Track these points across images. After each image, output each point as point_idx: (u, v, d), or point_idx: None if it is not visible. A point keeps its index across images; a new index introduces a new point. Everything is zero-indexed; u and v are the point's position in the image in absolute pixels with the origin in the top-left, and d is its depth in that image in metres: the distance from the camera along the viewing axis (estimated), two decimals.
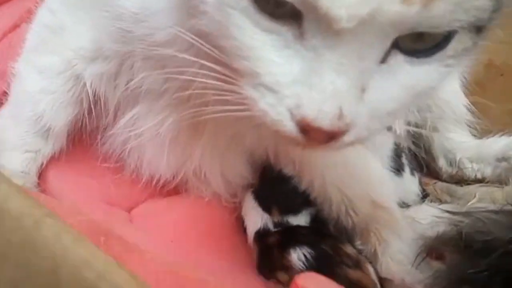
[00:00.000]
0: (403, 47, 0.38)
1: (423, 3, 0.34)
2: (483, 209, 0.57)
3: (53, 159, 0.68)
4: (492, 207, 0.58)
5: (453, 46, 0.39)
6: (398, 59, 0.39)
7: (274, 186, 0.65)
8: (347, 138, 0.39)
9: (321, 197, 0.64)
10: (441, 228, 0.56)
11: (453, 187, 0.80)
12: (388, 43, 0.37)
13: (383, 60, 0.38)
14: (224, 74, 0.41)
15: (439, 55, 0.39)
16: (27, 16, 0.77)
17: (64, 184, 0.66)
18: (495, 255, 0.49)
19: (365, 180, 0.63)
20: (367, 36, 0.35)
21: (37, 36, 0.67)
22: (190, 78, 0.49)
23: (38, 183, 0.66)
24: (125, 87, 0.62)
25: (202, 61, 0.43)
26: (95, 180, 0.68)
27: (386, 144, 0.71)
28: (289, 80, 0.38)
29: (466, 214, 0.56)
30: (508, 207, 0.56)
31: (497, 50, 0.83)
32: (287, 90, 0.38)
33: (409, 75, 0.39)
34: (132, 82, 0.58)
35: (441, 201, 0.80)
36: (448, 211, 0.57)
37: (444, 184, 0.82)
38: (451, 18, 0.36)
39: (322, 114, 0.37)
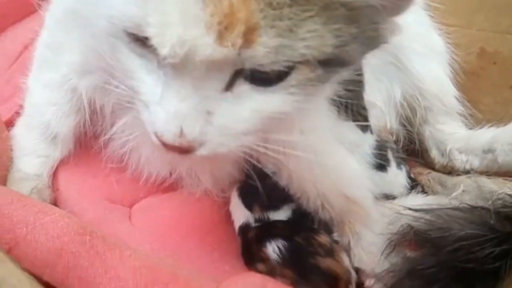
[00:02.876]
0: (248, 77, 0.42)
1: (238, 46, 0.38)
2: (443, 206, 0.59)
3: (63, 162, 0.75)
4: (452, 204, 0.60)
5: (294, 77, 0.43)
6: (243, 87, 0.43)
7: (255, 184, 0.69)
8: (200, 152, 0.45)
9: (299, 193, 0.69)
10: (404, 223, 0.60)
11: (444, 177, 0.82)
12: (225, 76, 0.42)
13: (228, 88, 0.43)
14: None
15: (282, 85, 0.43)
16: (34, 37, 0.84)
17: (72, 185, 0.73)
18: (442, 253, 0.53)
19: (338, 177, 0.67)
20: (198, 70, 0.40)
21: (40, 54, 0.74)
22: None
23: (52, 184, 0.74)
24: (116, 97, 0.67)
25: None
26: (100, 179, 0.75)
27: (364, 143, 0.74)
28: (155, 100, 0.44)
29: (427, 211, 0.59)
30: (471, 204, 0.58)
31: (489, 39, 0.83)
32: (152, 108, 0.45)
33: (256, 101, 0.44)
34: (113, 93, 0.63)
35: (433, 191, 0.82)
36: (410, 208, 0.60)
37: (437, 174, 0.84)
38: (276, 58, 0.39)
39: (166, 132, 0.44)
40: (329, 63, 0.43)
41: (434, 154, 0.84)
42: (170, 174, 0.74)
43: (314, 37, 0.40)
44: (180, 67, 0.41)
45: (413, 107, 0.82)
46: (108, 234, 0.60)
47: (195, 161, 0.71)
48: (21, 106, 0.77)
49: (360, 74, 0.75)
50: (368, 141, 0.75)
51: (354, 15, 0.41)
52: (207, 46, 0.39)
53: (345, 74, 0.53)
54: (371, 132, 0.76)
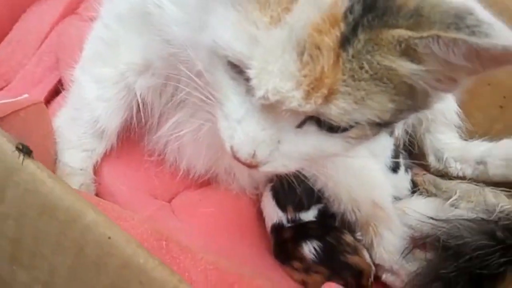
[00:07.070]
0: (318, 121, 0.51)
1: (318, 104, 0.46)
2: (459, 217, 0.71)
3: (105, 156, 0.78)
4: (466, 215, 0.72)
5: (355, 132, 0.51)
6: (311, 128, 0.52)
7: (291, 187, 0.75)
8: (263, 168, 0.54)
9: (332, 196, 0.78)
10: (425, 230, 0.71)
11: (438, 180, 0.94)
12: (300, 117, 0.50)
13: (300, 125, 0.51)
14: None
15: (343, 134, 0.52)
16: (72, 7, 0.86)
17: (116, 179, 0.77)
18: (462, 260, 0.64)
19: (369, 185, 0.78)
20: (281, 111, 0.48)
21: (94, 48, 0.74)
22: None
23: (94, 179, 0.77)
24: (170, 97, 0.72)
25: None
26: (141, 173, 0.79)
27: (388, 147, 0.85)
28: (236, 117, 0.52)
29: (446, 221, 0.70)
30: (479, 216, 0.71)
31: None
32: (232, 123, 0.52)
33: (318, 141, 0.53)
34: (179, 96, 0.69)
35: (427, 192, 0.94)
36: (432, 218, 0.71)
37: (431, 176, 0.95)
38: (345, 118, 0.48)
39: (241, 151, 0.52)
40: (383, 124, 0.51)
41: (431, 159, 0.95)
42: (206, 172, 0.80)
43: (380, 107, 0.48)
44: (268, 106, 0.49)
45: (419, 118, 0.93)
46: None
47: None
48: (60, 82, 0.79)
49: None
50: (391, 145, 0.85)
51: (414, 92, 0.49)
52: (295, 100, 0.46)
53: None
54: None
